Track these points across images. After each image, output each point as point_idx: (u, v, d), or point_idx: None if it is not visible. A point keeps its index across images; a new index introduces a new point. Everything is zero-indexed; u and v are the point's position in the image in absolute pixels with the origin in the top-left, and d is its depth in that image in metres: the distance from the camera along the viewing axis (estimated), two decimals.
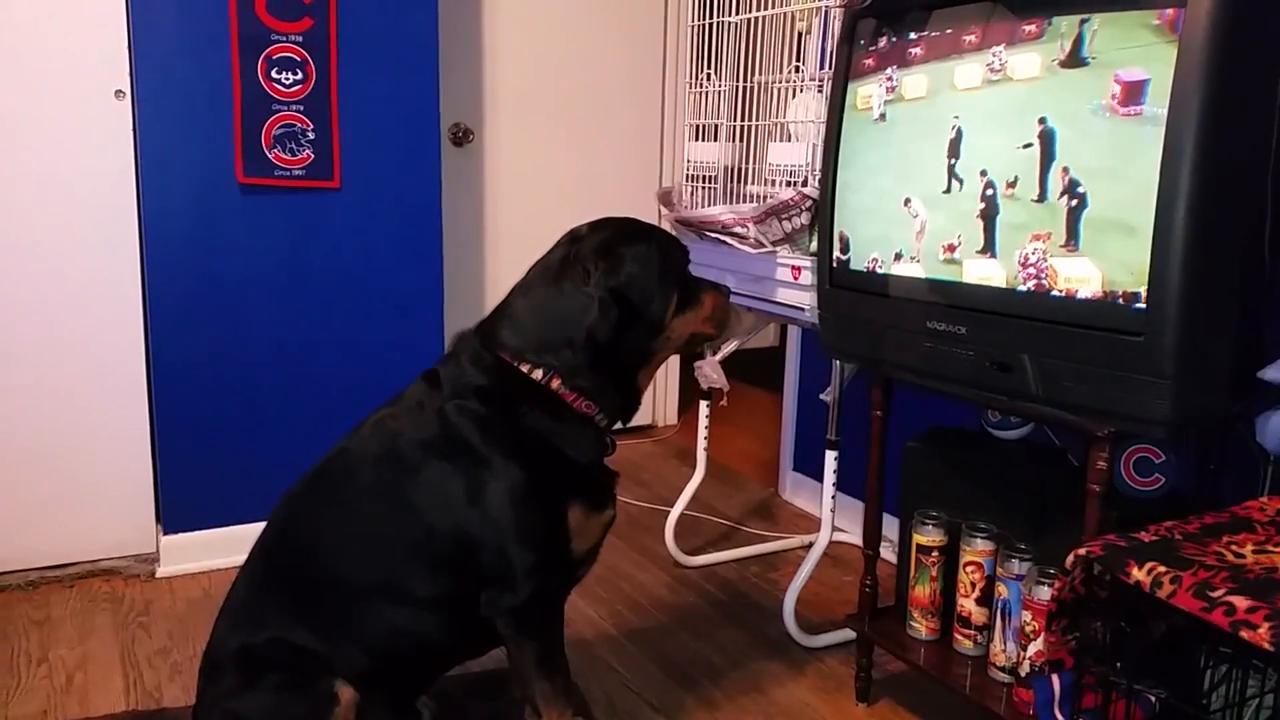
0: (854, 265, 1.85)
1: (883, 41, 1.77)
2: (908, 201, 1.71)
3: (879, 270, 1.79)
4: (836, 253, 1.88)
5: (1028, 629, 1.72)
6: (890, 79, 1.75)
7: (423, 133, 2.76)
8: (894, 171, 1.75)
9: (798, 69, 2.15)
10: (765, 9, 2.23)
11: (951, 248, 1.64)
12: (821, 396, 2.35)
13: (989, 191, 1.57)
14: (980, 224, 1.58)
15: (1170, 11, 1.32)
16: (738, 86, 2.30)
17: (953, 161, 1.63)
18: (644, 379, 1.69)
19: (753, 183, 2.29)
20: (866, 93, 1.80)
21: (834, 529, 2.32)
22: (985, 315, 1.59)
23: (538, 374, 1.59)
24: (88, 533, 2.59)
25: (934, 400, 1.82)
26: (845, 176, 1.85)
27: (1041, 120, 1.48)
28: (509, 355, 1.60)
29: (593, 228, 1.67)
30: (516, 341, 1.61)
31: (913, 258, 1.71)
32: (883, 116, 1.77)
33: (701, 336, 1.78)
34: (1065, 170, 1.45)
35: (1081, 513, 1.53)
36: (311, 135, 2.58)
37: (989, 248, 1.58)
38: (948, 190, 1.64)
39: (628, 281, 1.58)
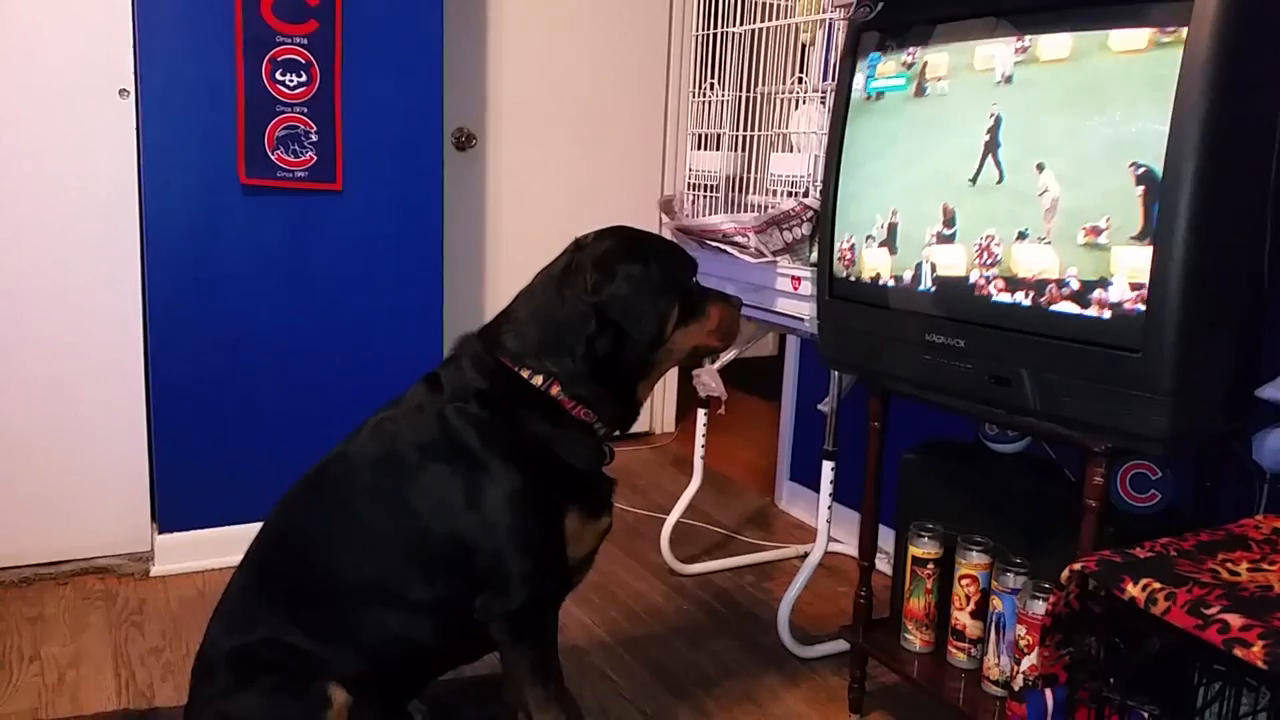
0: (959, 241, 1.63)
1: None
2: (1040, 168, 1.50)
3: (996, 252, 1.57)
4: (939, 227, 1.66)
5: (1022, 643, 1.72)
6: (1022, 39, 1.54)
7: (426, 137, 2.76)
8: (1024, 140, 1.54)
9: (801, 80, 2.16)
10: (769, 20, 2.24)
11: (1096, 230, 1.43)
12: (819, 407, 2.35)
13: (1141, 170, 1.37)
14: (1140, 206, 1.37)
15: None
16: (741, 96, 2.31)
17: (1099, 130, 1.43)
18: (644, 390, 1.68)
19: (754, 192, 2.29)
20: (987, 53, 1.59)
21: (830, 539, 2.32)
22: (984, 328, 1.59)
23: (537, 380, 1.58)
24: (82, 530, 2.58)
25: (931, 412, 1.82)
26: (954, 144, 1.64)
27: None
28: (510, 360, 1.60)
29: (598, 236, 1.66)
30: (517, 346, 1.60)
31: (1041, 239, 1.51)
32: (1008, 79, 1.56)
33: (705, 349, 1.77)
34: None
35: (1077, 527, 1.53)
36: (314, 137, 2.58)
37: (1148, 234, 1.37)
38: (1102, 162, 1.43)
39: (614, 299, 1.57)
